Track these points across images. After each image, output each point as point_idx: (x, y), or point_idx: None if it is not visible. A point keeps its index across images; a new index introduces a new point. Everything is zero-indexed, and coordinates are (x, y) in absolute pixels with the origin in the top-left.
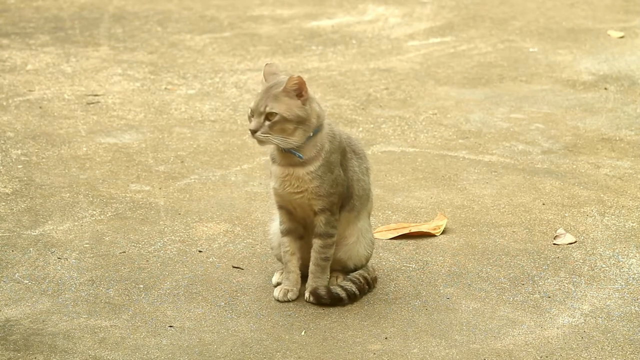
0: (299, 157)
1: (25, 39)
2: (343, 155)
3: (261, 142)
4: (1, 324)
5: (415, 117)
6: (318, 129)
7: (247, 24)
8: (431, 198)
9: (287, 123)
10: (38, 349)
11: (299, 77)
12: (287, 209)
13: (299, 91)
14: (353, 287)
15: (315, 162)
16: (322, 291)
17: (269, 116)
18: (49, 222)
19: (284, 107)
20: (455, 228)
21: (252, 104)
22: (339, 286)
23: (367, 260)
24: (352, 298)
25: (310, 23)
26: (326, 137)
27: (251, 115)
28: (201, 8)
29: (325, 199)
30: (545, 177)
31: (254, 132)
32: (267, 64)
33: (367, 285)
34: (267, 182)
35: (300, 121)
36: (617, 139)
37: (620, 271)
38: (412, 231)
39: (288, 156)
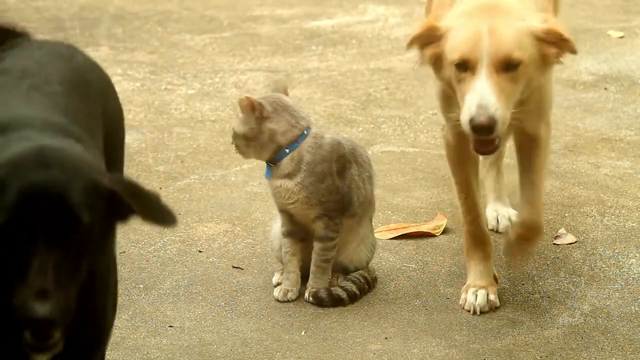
0: (265, 175)
1: None
2: (341, 164)
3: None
4: None
5: (415, 117)
6: (295, 145)
7: (247, 24)
8: (431, 198)
9: (239, 139)
10: None
11: (246, 97)
12: (287, 212)
13: (252, 110)
14: (353, 287)
15: (299, 174)
16: (323, 294)
17: (233, 135)
18: None
19: (237, 123)
20: (455, 228)
21: None
22: (340, 286)
23: (368, 263)
24: (353, 298)
25: (310, 23)
26: (306, 149)
27: None
28: (201, 8)
29: (318, 207)
30: (545, 177)
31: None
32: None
33: (367, 285)
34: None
35: (251, 139)
36: (617, 139)
37: (620, 271)
38: (412, 231)
39: (276, 169)
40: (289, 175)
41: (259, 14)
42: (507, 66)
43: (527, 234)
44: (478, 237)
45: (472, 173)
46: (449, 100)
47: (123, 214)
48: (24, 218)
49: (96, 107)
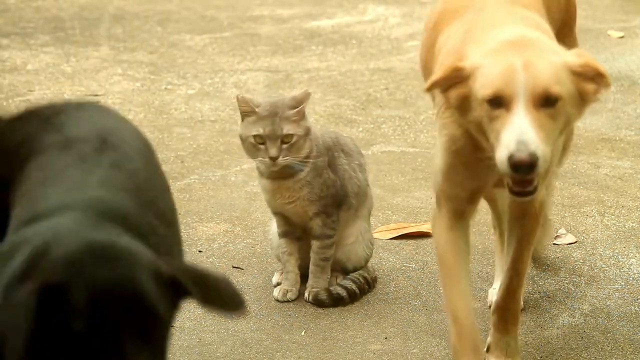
0: (300, 169)
1: (25, 39)
2: (330, 156)
3: (281, 165)
4: None
5: (415, 117)
6: None
7: (247, 24)
8: (431, 198)
9: (301, 139)
10: None
11: (307, 92)
12: (282, 214)
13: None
14: (353, 286)
15: (303, 170)
16: (323, 295)
17: (285, 139)
18: None
19: (296, 125)
20: None
21: (261, 130)
22: (339, 285)
23: (367, 262)
24: (353, 297)
25: (310, 23)
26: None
27: (261, 142)
28: (201, 8)
29: (317, 203)
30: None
31: (275, 158)
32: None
33: (367, 285)
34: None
35: (307, 132)
36: (617, 139)
37: (620, 271)
38: (412, 231)
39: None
40: (292, 173)
41: (259, 14)
42: (545, 101)
43: (501, 321)
44: (464, 336)
45: (464, 264)
46: (457, 173)
47: (182, 297)
48: (101, 322)
49: (159, 175)
